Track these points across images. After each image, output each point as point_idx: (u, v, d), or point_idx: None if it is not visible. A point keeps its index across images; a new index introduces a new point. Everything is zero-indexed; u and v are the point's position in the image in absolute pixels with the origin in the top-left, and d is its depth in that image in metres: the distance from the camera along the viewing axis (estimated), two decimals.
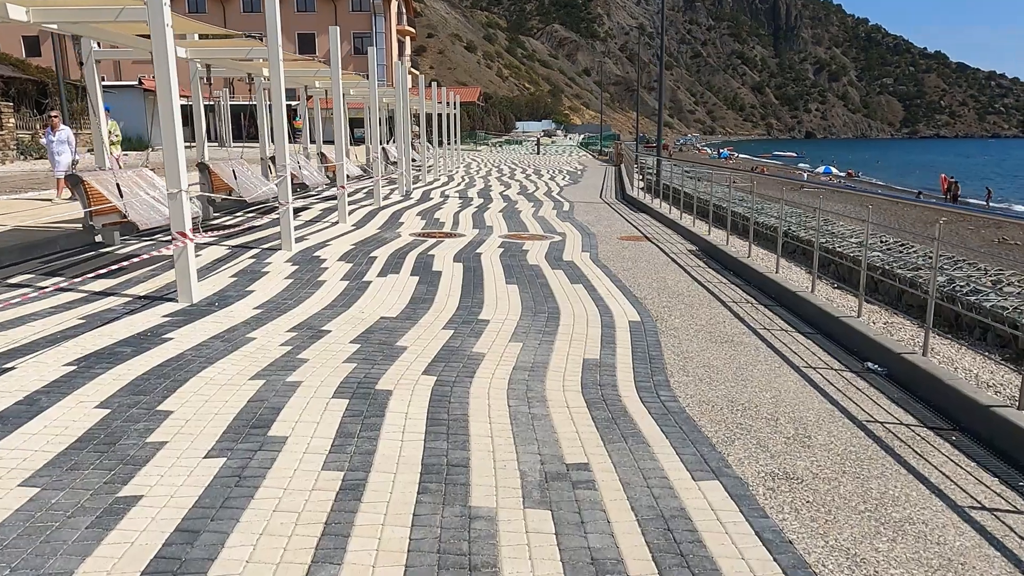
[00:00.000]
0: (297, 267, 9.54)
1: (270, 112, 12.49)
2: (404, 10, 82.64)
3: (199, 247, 10.55)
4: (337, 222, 14.00)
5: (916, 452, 4.45)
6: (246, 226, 12.80)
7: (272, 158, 11.89)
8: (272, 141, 12.08)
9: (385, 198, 19.07)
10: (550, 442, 4.37)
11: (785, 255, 11.07)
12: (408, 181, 21.85)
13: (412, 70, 79.89)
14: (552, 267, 10.06)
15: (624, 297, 8.33)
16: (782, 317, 7.64)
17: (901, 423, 4.91)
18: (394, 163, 28.93)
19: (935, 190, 48.37)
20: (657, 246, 12.37)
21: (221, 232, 11.84)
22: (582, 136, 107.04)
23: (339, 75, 13.48)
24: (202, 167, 11.93)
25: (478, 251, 11.24)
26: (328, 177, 18.24)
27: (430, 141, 30.44)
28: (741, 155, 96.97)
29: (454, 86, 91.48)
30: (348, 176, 18.49)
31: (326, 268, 9.53)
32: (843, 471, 4.16)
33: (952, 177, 50.04)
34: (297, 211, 15.51)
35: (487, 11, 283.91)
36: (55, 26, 8.38)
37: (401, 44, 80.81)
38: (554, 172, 34.34)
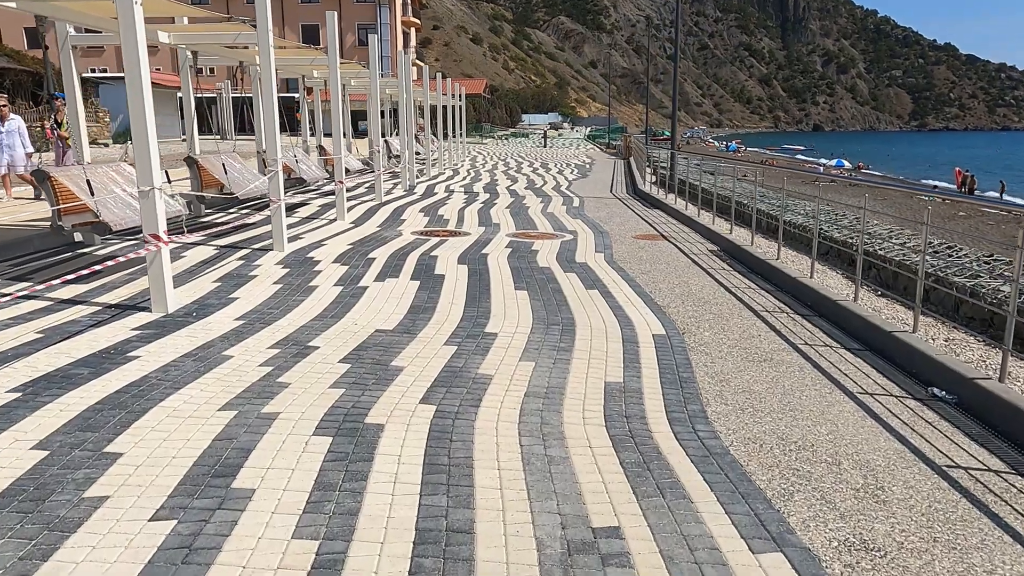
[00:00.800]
0: (288, 270, 8.80)
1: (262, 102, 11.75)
2: (409, 1, 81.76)
3: (184, 248, 9.82)
4: (335, 219, 13.25)
5: (1017, 511, 3.68)
6: (238, 224, 12.06)
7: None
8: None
9: (387, 193, 18.32)
10: (572, 497, 3.62)
11: (818, 257, 10.29)
12: (412, 175, 21.09)
13: (417, 62, 79.14)
14: (564, 270, 9.29)
15: (645, 305, 7.56)
16: (823, 330, 6.86)
17: (988, 469, 4.14)
18: (397, 157, 28.39)
19: (949, 184, 47.38)
20: (675, 246, 11.58)
21: (210, 231, 11.11)
22: (589, 129, 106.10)
23: (336, 63, 12.70)
24: (190, 161, 11.19)
25: (484, 251, 10.47)
26: (328, 172, 17.49)
27: (435, 134, 29.65)
28: (749, 148, 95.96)
29: (460, 78, 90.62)
30: (348, 171, 17.75)
31: (319, 271, 8.78)
32: (934, 538, 3.40)
33: (967, 171, 49.07)
34: (294, 207, 14.77)
35: (493, 3, 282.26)
36: (13, 4, 7.61)
37: (406, 35, 79.94)
38: (562, 166, 33.53)
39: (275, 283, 8.11)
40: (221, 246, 10.17)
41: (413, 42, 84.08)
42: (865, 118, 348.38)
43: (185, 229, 9.37)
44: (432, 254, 10.14)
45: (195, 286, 7.84)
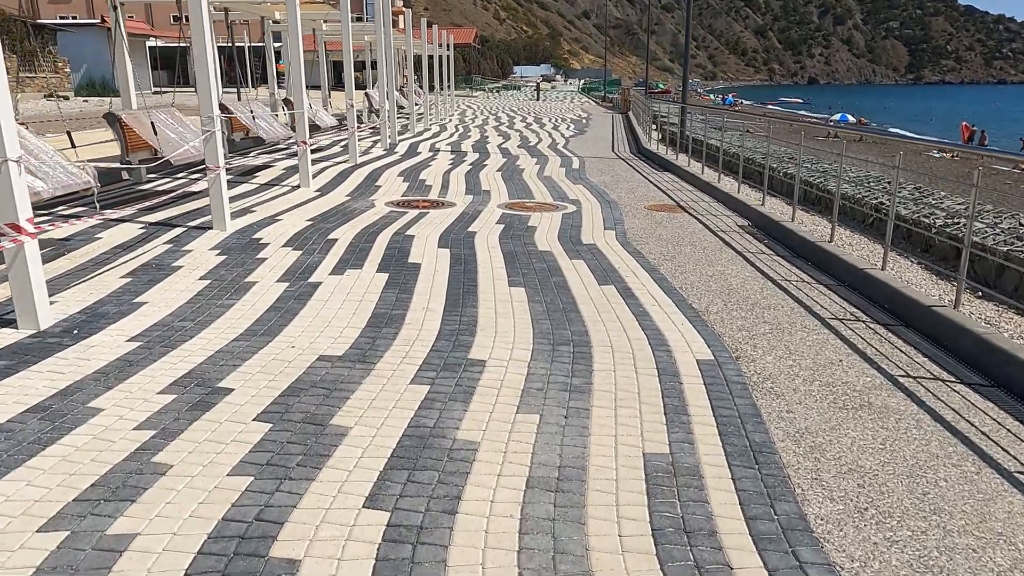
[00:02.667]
0: (224, 258, 7.02)
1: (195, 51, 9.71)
2: None
3: (103, 227, 7.99)
4: (298, 186, 11.39)
5: None
6: (182, 194, 10.19)
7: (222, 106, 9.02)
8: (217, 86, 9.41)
9: (364, 153, 16.40)
10: None
11: (872, 235, 8.54)
12: (393, 133, 19.13)
13: (402, 8, 75.84)
14: (570, 254, 7.54)
15: (678, 310, 5.84)
16: (923, 351, 5.14)
17: None
18: (378, 112, 26.29)
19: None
20: (697, 219, 9.81)
21: (143, 204, 9.26)
22: (583, 81, 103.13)
23: (296, 2, 10.73)
24: (111, 119, 9.26)
25: (471, 229, 8.69)
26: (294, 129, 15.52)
27: (420, 86, 27.53)
28: (745, 101, 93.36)
29: (448, 27, 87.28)
30: (319, 127, 15.81)
31: (263, 259, 7.00)
32: None
33: (974, 125, 47.11)
34: (253, 171, 12.88)
35: None
36: None
37: None
38: (557, 121, 31.46)
39: (202, 278, 6.33)
40: (151, 223, 8.35)
41: None
42: (861, 71, 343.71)
43: (97, 205, 7.55)
44: (408, 233, 8.36)
45: (96, 284, 6.06)
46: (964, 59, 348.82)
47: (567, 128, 27.18)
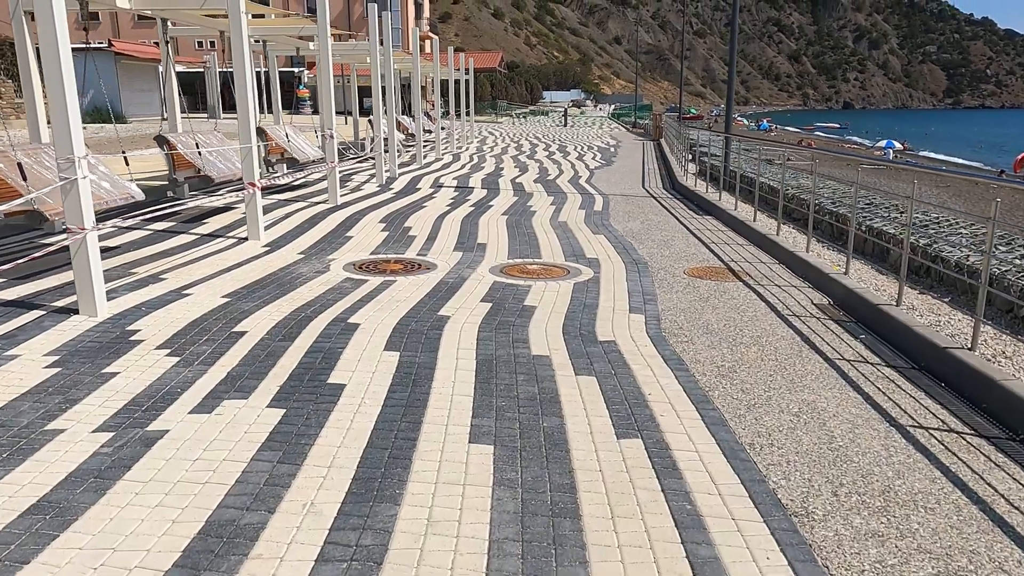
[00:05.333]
0: (53, 373, 4.65)
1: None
2: None
3: None
4: (246, 238, 9.08)
5: None
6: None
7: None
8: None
9: (355, 189, 14.13)
10: None
11: (985, 315, 5.92)
12: (393, 165, 16.85)
13: (429, 34, 74.55)
14: (576, 364, 5.05)
15: (757, 513, 3.29)
16: None
17: None
18: (412, 135, 24.87)
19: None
20: (757, 293, 7.27)
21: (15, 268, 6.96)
22: (613, 106, 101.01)
23: (243, 21, 8.50)
24: (160, 140, 7.05)
25: (443, 312, 6.25)
26: (269, 160, 13.28)
27: (428, 114, 25.40)
28: (782, 127, 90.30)
29: (475, 51, 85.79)
30: (299, 160, 13.57)
31: (109, 377, 4.61)
32: None
33: None
34: (206, 215, 10.60)
35: None
36: None
37: (419, 7, 75.37)
38: (583, 149, 29.08)
39: None
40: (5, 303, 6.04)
41: (426, 13, 79.41)
42: (897, 95, 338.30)
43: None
44: (351, 320, 5.93)
45: None
46: (1004, 83, 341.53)
47: (593, 158, 24.77)
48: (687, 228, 10.94)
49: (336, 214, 11.20)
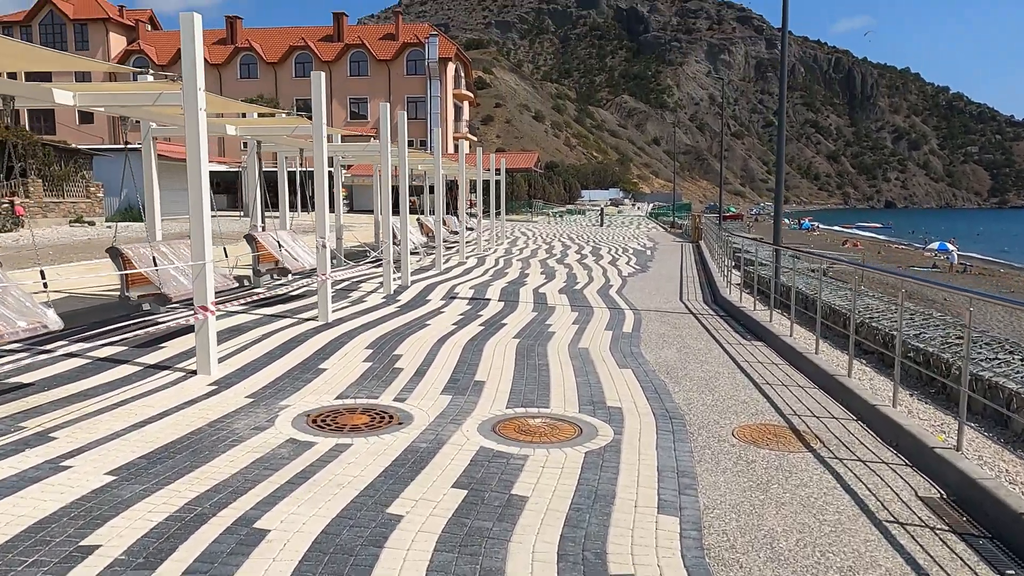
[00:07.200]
0: None
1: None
2: (464, 74, 78.77)
3: None
4: (194, 372, 7.47)
5: None
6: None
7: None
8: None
9: (358, 301, 12.63)
10: None
11: None
12: (405, 273, 15.40)
13: (468, 135, 75.37)
14: None
15: None
16: None
17: None
18: (455, 232, 25.75)
19: None
20: (833, 472, 5.35)
21: None
22: (651, 205, 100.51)
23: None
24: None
25: (392, 509, 4.46)
26: (259, 271, 11.88)
27: (454, 212, 24.29)
28: (823, 226, 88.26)
29: (513, 152, 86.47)
30: (291, 270, 12.17)
31: None
32: None
33: None
34: (159, 341, 9.06)
35: (557, 83, 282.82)
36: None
37: (458, 109, 76.61)
38: (617, 252, 27.56)
39: None
40: None
41: (466, 116, 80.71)
42: (940, 195, 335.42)
43: None
44: (258, 525, 4.17)
45: None
46: None
47: (627, 262, 23.18)
48: (733, 360, 9.08)
49: (320, 336, 9.62)
